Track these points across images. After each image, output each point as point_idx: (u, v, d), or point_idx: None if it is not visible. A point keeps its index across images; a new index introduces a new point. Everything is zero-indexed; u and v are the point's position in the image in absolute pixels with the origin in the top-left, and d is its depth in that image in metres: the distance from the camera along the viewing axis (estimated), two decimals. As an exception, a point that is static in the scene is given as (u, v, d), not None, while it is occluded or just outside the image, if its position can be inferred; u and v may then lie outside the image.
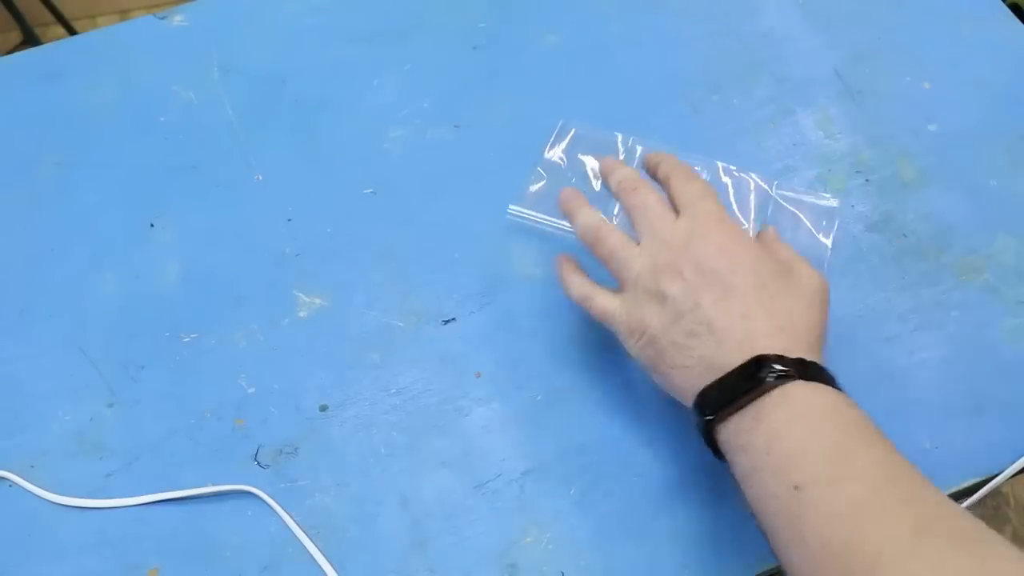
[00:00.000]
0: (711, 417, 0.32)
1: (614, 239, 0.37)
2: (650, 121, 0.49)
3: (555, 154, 0.48)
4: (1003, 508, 0.92)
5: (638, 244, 0.36)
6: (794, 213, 0.45)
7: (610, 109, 0.50)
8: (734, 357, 0.32)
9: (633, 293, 0.35)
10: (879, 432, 0.31)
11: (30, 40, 1.26)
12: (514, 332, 0.42)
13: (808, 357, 0.32)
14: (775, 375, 0.31)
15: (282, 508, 0.38)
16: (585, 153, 0.48)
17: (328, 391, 0.41)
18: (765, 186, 0.46)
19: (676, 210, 0.37)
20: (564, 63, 0.52)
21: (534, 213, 0.46)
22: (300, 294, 0.44)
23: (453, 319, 0.43)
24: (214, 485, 0.38)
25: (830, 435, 0.30)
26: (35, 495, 0.39)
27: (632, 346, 0.36)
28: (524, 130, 0.49)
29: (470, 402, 0.41)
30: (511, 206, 0.46)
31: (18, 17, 1.22)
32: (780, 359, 0.31)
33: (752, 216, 0.45)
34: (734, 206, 0.45)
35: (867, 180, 0.47)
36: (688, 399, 0.34)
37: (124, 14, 1.57)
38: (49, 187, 0.48)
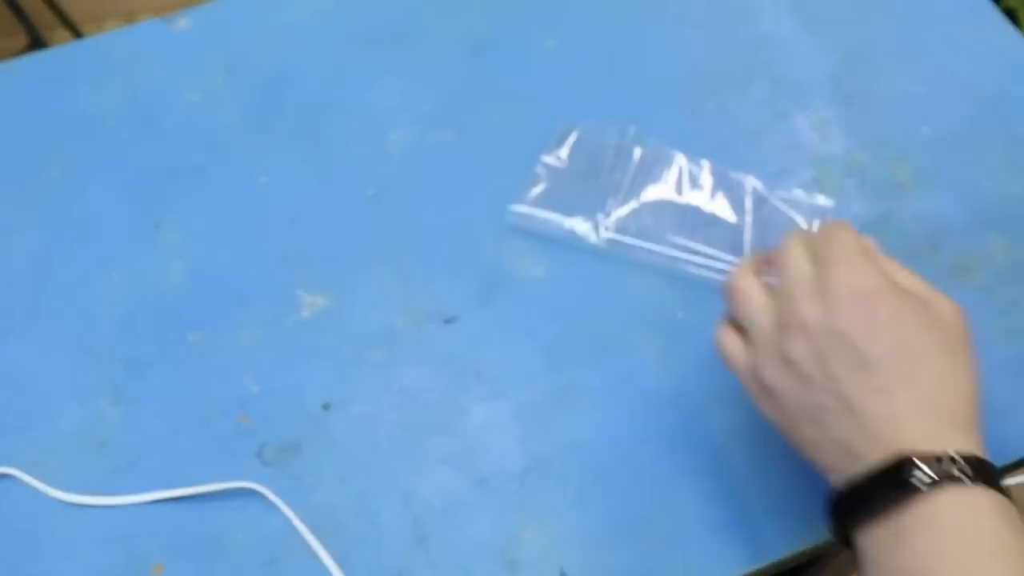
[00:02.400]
0: (844, 522, 0.28)
1: (756, 296, 0.32)
2: (648, 124, 0.49)
3: (555, 156, 0.48)
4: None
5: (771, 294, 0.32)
6: (788, 214, 0.46)
7: (609, 112, 0.50)
8: (875, 449, 0.27)
9: (759, 347, 0.31)
10: None
11: (36, 44, 1.26)
12: (514, 331, 0.43)
13: (964, 446, 0.27)
14: (916, 484, 0.26)
15: (286, 505, 0.38)
16: (583, 154, 0.48)
17: (331, 389, 0.42)
18: (760, 187, 0.46)
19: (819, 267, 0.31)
20: (563, 67, 0.52)
21: (534, 212, 0.46)
22: (303, 294, 0.45)
23: (455, 318, 0.44)
24: (219, 482, 0.39)
25: (984, 569, 0.25)
26: (41, 492, 0.39)
27: (763, 409, 0.32)
28: (524, 133, 0.49)
29: (471, 400, 0.41)
30: (511, 207, 0.46)
31: (25, 21, 1.22)
32: (928, 460, 0.26)
33: (749, 219, 0.46)
34: (730, 208, 0.46)
35: (862, 182, 0.47)
36: (824, 473, 0.30)
37: (130, 18, 1.58)
38: (56, 189, 0.49)
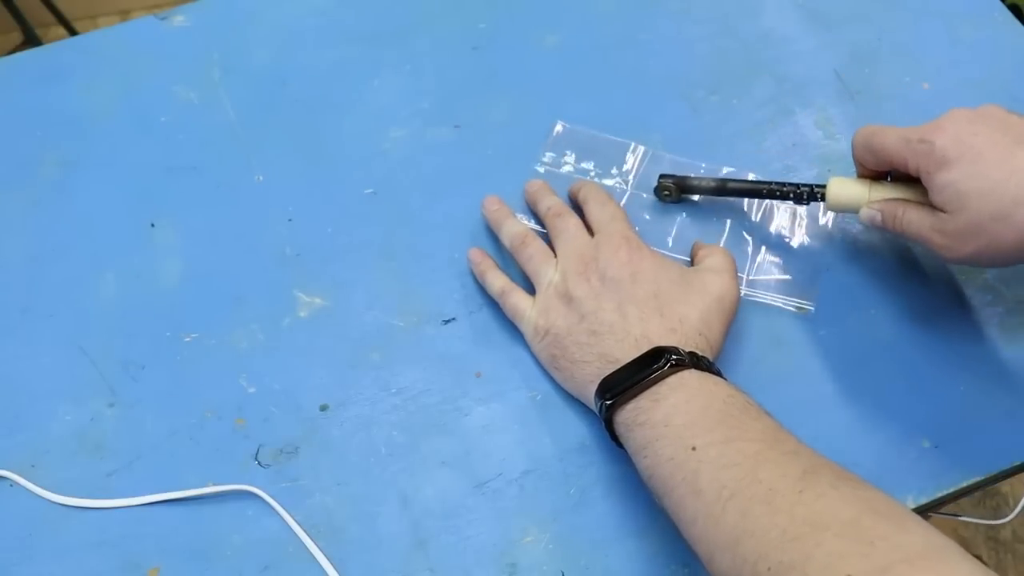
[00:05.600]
0: (612, 401, 0.35)
1: (536, 246, 0.42)
2: (650, 121, 0.49)
3: (553, 154, 0.48)
4: (1003, 508, 0.92)
5: (556, 257, 0.41)
6: (791, 213, 0.45)
7: (610, 109, 0.50)
8: (631, 352, 0.36)
9: (545, 296, 0.40)
10: (766, 411, 0.34)
11: (31, 41, 1.26)
12: (514, 332, 0.42)
13: (700, 353, 0.36)
14: (671, 363, 0.35)
15: (283, 508, 0.38)
16: (582, 153, 0.48)
17: (328, 391, 0.41)
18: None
19: (591, 231, 0.42)
20: (564, 63, 0.52)
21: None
22: (300, 294, 0.44)
23: (453, 319, 0.43)
24: (215, 485, 0.38)
25: (723, 410, 0.33)
26: (36, 495, 0.39)
27: (537, 343, 0.40)
28: (523, 130, 0.49)
29: (470, 402, 0.41)
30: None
31: (19, 18, 1.22)
32: (676, 350, 0.35)
33: (755, 220, 0.45)
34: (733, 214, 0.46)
35: (866, 180, 0.47)
36: (586, 391, 0.38)
37: (125, 15, 1.57)
38: (50, 187, 0.48)
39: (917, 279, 0.44)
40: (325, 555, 0.37)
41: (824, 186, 0.41)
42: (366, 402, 0.41)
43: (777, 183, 0.42)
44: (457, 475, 0.39)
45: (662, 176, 0.45)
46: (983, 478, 0.38)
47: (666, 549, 0.37)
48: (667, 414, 0.33)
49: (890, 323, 0.42)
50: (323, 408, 0.41)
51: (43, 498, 0.39)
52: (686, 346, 0.36)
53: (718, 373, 0.36)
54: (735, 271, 0.41)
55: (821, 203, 0.42)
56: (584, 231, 0.42)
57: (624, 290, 0.38)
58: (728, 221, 0.45)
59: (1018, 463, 0.39)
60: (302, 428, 0.40)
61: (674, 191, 0.44)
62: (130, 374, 0.42)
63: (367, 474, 0.39)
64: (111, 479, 0.39)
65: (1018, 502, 0.41)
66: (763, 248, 0.44)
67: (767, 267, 0.44)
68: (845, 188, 0.40)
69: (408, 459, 0.39)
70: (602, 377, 0.36)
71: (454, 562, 0.37)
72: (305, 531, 0.37)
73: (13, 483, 0.39)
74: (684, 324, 0.37)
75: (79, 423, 0.41)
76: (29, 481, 0.39)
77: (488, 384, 0.41)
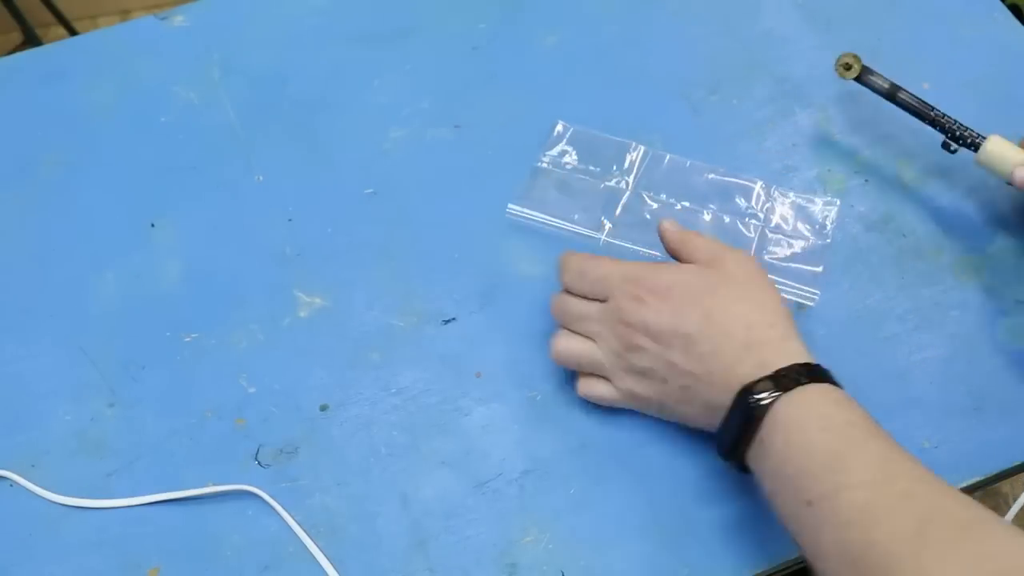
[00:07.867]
0: (728, 457, 0.35)
1: (576, 348, 0.39)
2: (650, 121, 0.49)
3: (553, 154, 0.48)
4: (1003, 508, 0.92)
5: (594, 340, 0.38)
6: (792, 215, 0.45)
7: (610, 109, 0.50)
8: (726, 396, 0.34)
9: (617, 378, 0.38)
10: (870, 424, 0.32)
11: (31, 40, 1.26)
12: (514, 332, 0.42)
13: (784, 360, 0.34)
14: (758, 404, 0.33)
15: (282, 508, 0.38)
16: (582, 152, 0.48)
17: (328, 391, 0.41)
18: (764, 194, 0.46)
19: (600, 299, 0.38)
20: (563, 63, 0.52)
21: (533, 213, 0.46)
22: (300, 294, 0.44)
23: (453, 319, 0.43)
24: (215, 485, 0.38)
25: (825, 445, 0.32)
26: (36, 495, 0.39)
27: (638, 408, 0.39)
28: (523, 130, 0.49)
29: (470, 402, 0.41)
30: (510, 205, 0.46)
31: (19, 18, 1.22)
32: (758, 384, 0.33)
33: (753, 226, 0.45)
34: (732, 215, 0.46)
35: (866, 180, 0.47)
36: (711, 428, 0.36)
37: (125, 15, 1.57)
38: (50, 187, 0.48)
39: (917, 279, 0.44)
40: (325, 555, 0.37)
41: (984, 137, 0.42)
42: (366, 402, 0.41)
43: (941, 112, 0.44)
44: (457, 475, 0.39)
45: (844, 53, 0.45)
46: (983, 478, 0.38)
47: (666, 549, 0.37)
48: (775, 465, 0.33)
49: (890, 322, 0.42)
50: (323, 408, 0.41)
51: (43, 498, 0.39)
52: (766, 355, 0.34)
53: (812, 371, 0.33)
54: (726, 246, 0.38)
55: (969, 153, 0.43)
56: (590, 303, 0.38)
57: (678, 334, 0.35)
58: (727, 218, 0.45)
59: (1018, 463, 0.39)
60: (302, 428, 0.40)
61: (856, 66, 0.44)
62: (130, 374, 0.42)
63: (367, 474, 0.39)
64: (111, 479, 0.39)
65: (1019, 502, 0.41)
66: (764, 245, 0.44)
67: (767, 265, 0.44)
68: (1001, 146, 0.42)
69: (408, 459, 0.39)
70: (713, 427, 0.35)
71: (454, 562, 0.37)
72: (305, 531, 0.37)
73: (13, 483, 0.39)
74: (751, 329, 0.35)
75: (79, 423, 0.41)
76: (29, 481, 0.39)
77: (488, 384, 0.41)
